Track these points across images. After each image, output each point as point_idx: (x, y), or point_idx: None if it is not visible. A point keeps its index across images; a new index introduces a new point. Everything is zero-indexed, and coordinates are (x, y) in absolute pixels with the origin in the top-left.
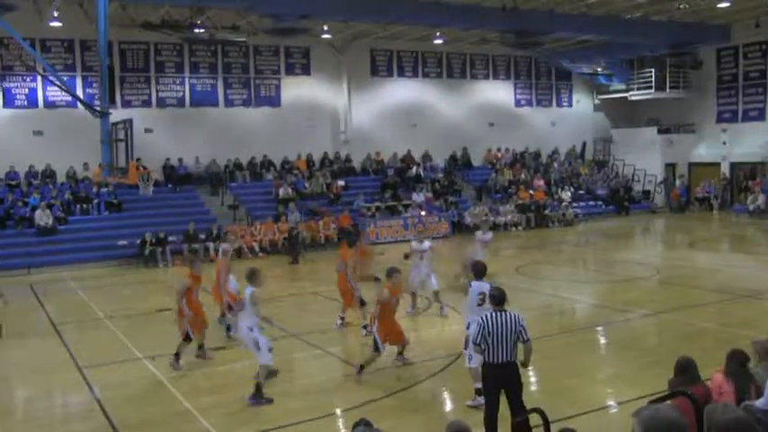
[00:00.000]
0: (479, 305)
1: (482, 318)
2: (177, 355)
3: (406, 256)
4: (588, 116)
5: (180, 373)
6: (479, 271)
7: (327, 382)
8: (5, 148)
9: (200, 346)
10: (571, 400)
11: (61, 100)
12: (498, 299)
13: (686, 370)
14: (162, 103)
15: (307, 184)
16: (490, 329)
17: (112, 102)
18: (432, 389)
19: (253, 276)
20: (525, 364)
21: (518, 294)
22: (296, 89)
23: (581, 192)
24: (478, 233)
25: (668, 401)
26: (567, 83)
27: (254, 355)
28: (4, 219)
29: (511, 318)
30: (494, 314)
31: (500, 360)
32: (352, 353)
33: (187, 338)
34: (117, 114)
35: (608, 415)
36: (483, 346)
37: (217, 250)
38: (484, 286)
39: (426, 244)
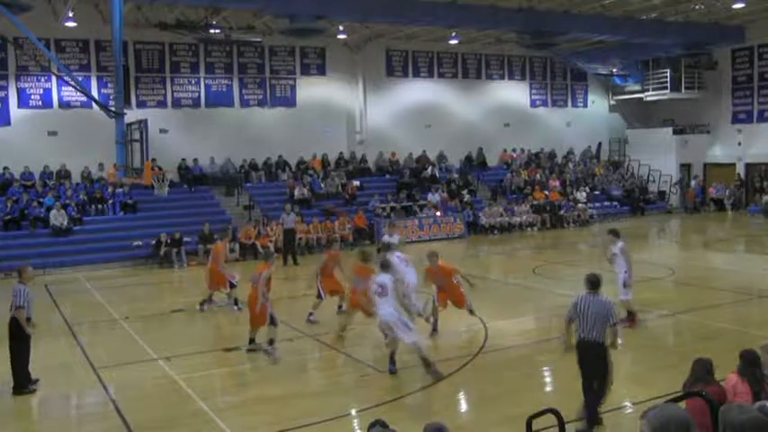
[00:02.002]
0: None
1: (576, 298)
2: (272, 342)
3: (379, 250)
4: (603, 116)
5: (199, 374)
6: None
7: (343, 382)
8: (20, 149)
9: (252, 340)
10: None
11: (76, 100)
12: (593, 283)
13: (701, 371)
14: (177, 104)
15: (322, 185)
16: (580, 309)
17: (127, 102)
18: (447, 389)
19: (432, 257)
20: (613, 346)
21: (534, 295)
22: (311, 89)
23: (596, 192)
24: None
25: (682, 402)
26: (583, 83)
27: (402, 336)
28: (19, 219)
29: (601, 302)
30: (586, 296)
31: (584, 337)
32: (367, 354)
33: (272, 323)
34: (132, 115)
35: (623, 415)
36: (574, 324)
37: (233, 250)
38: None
39: (396, 237)
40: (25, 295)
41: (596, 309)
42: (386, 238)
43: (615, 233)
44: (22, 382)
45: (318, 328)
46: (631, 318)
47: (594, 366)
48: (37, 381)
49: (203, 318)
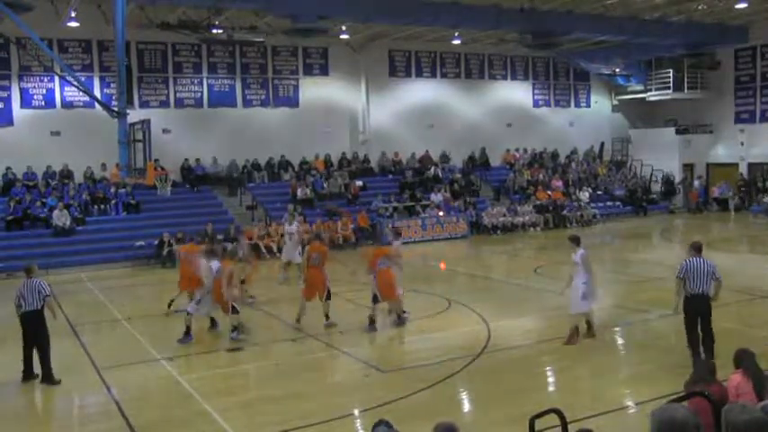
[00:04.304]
0: None
1: (686, 261)
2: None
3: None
4: (606, 116)
5: (201, 374)
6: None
7: (346, 382)
8: (23, 149)
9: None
10: (589, 401)
11: (79, 100)
12: (698, 248)
13: (704, 371)
14: (180, 104)
15: (325, 185)
16: (690, 269)
17: (130, 102)
18: (450, 389)
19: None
20: (714, 298)
21: (536, 295)
22: (314, 89)
23: (599, 192)
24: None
25: (684, 402)
26: (585, 83)
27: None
28: (22, 219)
29: (705, 262)
30: (694, 259)
31: (696, 292)
32: (370, 353)
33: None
34: (135, 115)
35: (626, 415)
36: (684, 281)
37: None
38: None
39: (294, 226)
40: (48, 285)
41: (703, 268)
42: (287, 227)
43: (575, 240)
44: (49, 374)
45: (321, 327)
46: (588, 329)
47: (704, 314)
48: (37, 376)
49: (204, 318)
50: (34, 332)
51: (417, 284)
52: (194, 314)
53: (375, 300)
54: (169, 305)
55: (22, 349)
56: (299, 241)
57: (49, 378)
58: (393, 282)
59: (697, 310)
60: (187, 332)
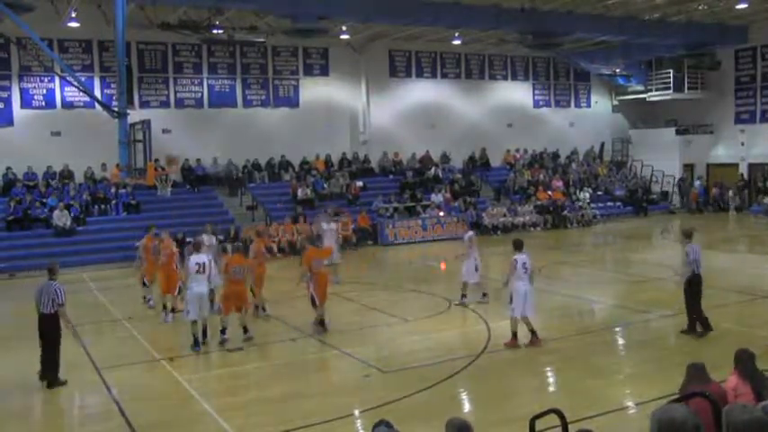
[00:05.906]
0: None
1: (690, 247)
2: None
3: (319, 236)
4: (606, 117)
5: (201, 374)
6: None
7: (345, 382)
8: (23, 149)
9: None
10: (590, 401)
11: (79, 100)
12: (692, 234)
13: (697, 372)
14: (180, 104)
15: (325, 185)
16: (696, 254)
17: (130, 102)
18: (450, 390)
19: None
20: None
21: (536, 295)
22: (314, 90)
23: (599, 192)
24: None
25: (683, 402)
26: (586, 83)
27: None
28: (23, 219)
29: (697, 246)
30: (694, 245)
31: (699, 271)
32: (370, 353)
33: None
34: (135, 115)
35: (627, 415)
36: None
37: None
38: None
39: (333, 225)
40: (63, 293)
41: (699, 251)
42: (324, 225)
43: (516, 245)
44: (55, 376)
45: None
46: (514, 338)
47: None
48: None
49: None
50: (46, 334)
51: (418, 285)
52: (193, 319)
53: (314, 303)
54: (166, 308)
55: (40, 349)
56: (338, 239)
57: (54, 379)
58: (327, 286)
59: (700, 286)
60: (196, 342)
